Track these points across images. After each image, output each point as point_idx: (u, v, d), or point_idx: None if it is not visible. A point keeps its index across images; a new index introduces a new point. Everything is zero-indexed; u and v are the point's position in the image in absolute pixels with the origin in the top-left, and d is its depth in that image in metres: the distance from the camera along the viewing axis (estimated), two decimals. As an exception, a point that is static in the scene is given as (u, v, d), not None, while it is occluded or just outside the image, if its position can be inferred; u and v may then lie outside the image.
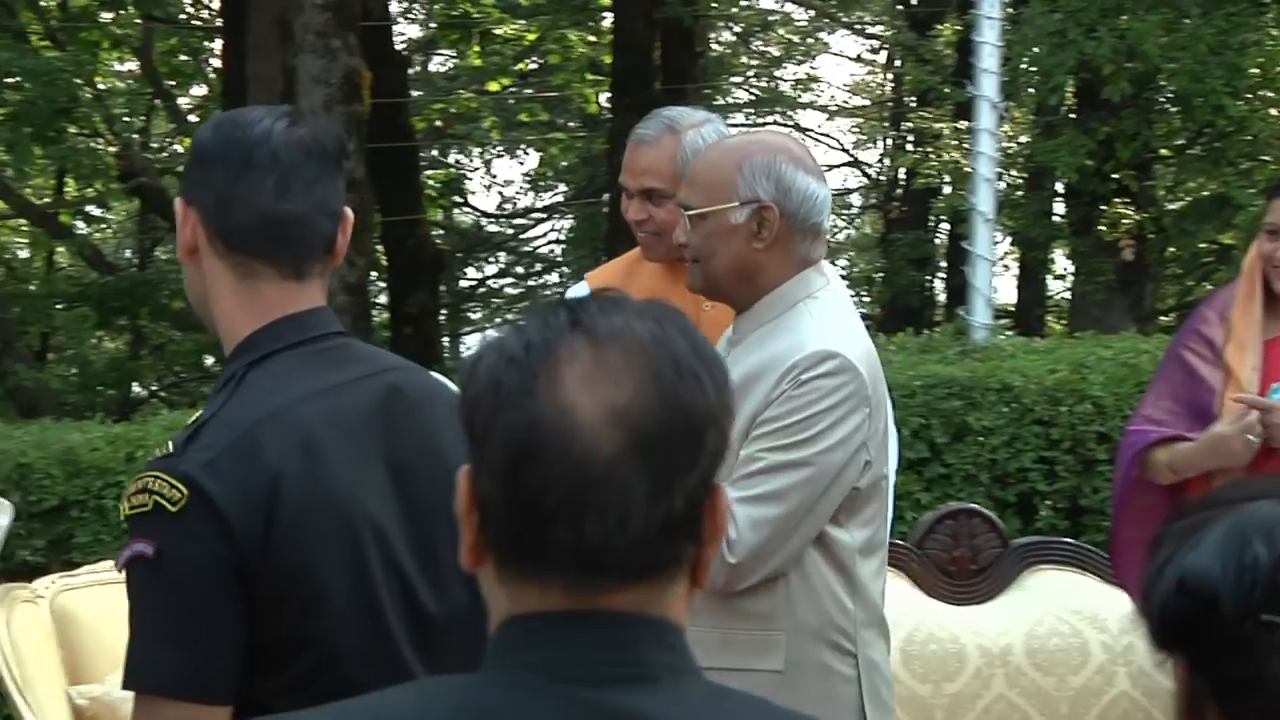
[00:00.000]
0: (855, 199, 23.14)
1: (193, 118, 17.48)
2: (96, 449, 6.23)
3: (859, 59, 22.65)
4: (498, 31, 17.77)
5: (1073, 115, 12.59)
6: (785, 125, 20.69)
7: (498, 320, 21.73)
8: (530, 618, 1.42)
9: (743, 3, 20.39)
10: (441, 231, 20.33)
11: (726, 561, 2.89)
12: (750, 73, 21.72)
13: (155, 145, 18.53)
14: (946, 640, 4.43)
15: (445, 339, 19.89)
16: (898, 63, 19.64)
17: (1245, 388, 3.80)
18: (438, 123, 18.86)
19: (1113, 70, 10.44)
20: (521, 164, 22.70)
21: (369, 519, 2.20)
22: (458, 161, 21.62)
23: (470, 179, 22.10)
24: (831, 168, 22.13)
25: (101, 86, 16.29)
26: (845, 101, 22.46)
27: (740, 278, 3.04)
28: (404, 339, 13.91)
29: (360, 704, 1.47)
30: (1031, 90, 11.82)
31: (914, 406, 5.91)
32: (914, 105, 18.33)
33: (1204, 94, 10.19)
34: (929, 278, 18.81)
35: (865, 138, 22.66)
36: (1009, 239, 15.07)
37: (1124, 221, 12.18)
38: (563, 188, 22.43)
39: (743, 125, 18.41)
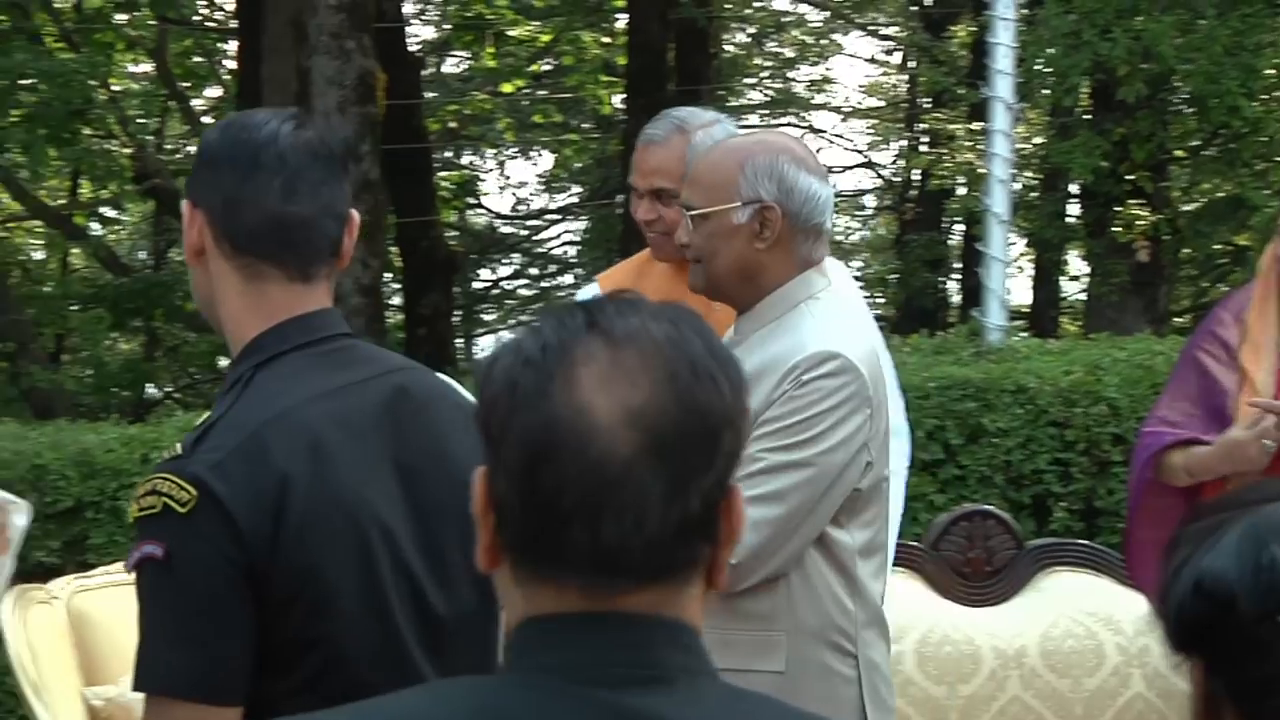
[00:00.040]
0: (869, 200, 23.10)
1: (207, 119, 17.46)
2: (111, 450, 6.24)
3: (873, 60, 22.61)
4: (512, 33, 17.78)
5: (1087, 116, 12.55)
6: (799, 127, 20.67)
7: (512, 322, 21.71)
8: (546, 619, 1.42)
9: (757, 4, 20.35)
10: (455, 233, 20.32)
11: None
12: (764, 74, 21.67)
13: (170, 147, 18.53)
14: (961, 642, 4.42)
15: (459, 340, 19.90)
16: (912, 64, 19.60)
17: (1260, 389, 3.78)
18: (452, 124, 18.85)
19: (1128, 71, 10.41)
20: (535, 165, 22.69)
21: (377, 520, 2.20)
22: (471, 163, 21.60)
23: (484, 180, 22.09)
24: (846, 169, 22.12)
25: (116, 88, 16.29)
26: (859, 103, 22.42)
27: (742, 278, 3.04)
28: (418, 340, 13.90)
29: (375, 706, 1.47)
30: (1046, 91, 11.78)
31: (929, 408, 5.90)
32: (928, 106, 18.31)
33: (1219, 95, 10.17)
34: (943, 279, 18.77)
35: (879, 139, 22.60)
36: (1024, 240, 15.02)
37: (1139, 223, 12.15)
38: (577, 189, 22.40)
39: (757, 126, 18.38)
